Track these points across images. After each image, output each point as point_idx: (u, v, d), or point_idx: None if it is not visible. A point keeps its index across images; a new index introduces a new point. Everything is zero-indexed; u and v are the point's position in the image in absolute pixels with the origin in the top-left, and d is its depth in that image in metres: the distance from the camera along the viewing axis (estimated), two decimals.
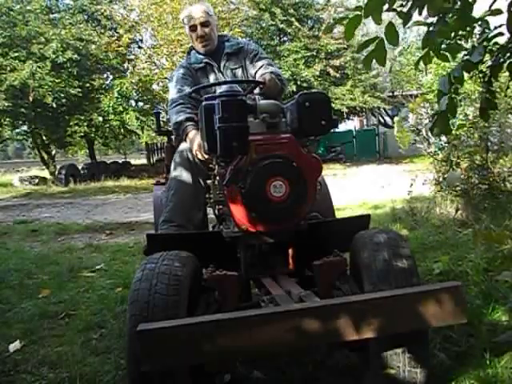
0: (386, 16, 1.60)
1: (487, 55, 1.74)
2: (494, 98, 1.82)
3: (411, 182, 4.28)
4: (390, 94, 17.57)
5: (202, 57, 2.43)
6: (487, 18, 1.68)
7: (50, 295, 2.87)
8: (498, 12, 1.63)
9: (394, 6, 1.54)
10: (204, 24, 2.37)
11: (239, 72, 2.42)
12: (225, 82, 2.16)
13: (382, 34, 1.60)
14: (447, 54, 1.77)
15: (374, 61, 1.65)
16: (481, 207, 3.70)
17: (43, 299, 2.80)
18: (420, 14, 1.59)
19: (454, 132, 4.19)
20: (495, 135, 4.15)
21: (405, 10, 1.58)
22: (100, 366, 1.88)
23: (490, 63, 1.79)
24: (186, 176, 2.06)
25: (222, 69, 2.41)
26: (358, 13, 1.48)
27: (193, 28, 2.39)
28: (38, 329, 2.34)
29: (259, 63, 2.38)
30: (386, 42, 1.58)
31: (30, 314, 2.52)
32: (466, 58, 1.72)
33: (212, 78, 2.40)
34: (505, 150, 3.99)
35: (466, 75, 1.75)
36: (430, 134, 4.74)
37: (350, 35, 1.54)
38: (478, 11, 1.68)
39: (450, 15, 1.60)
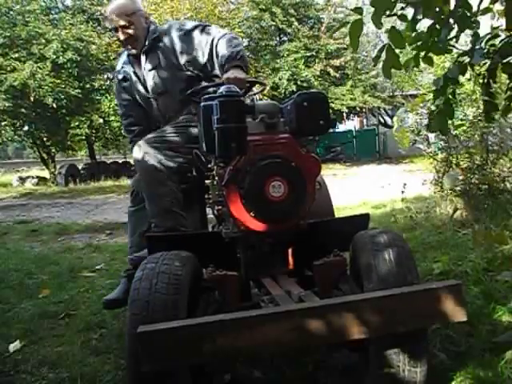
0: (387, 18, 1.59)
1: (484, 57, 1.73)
2: (494, 99, 1.82)
3: (403, 188, 4.28)
4: (390, 94, 17.58)
5: (124, 67, 2.34)
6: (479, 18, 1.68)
7: (50, 295, 2.87)
8: (488, 11, 1.63)
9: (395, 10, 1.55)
10: (125, 26, 2.19)
11: (156, 71, 2.22)
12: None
13: (381, 34, 1.61)
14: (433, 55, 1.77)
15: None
16: (481, 207, 3.69)
17: (43, 299, 2.80)
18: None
19: (452, 132, 4.19)
20: (495, 135, 4.15)
21: (404, 12, 1.58)
22: (100, 366, 1.88)
23: (488, 65, 1.78)
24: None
25: (143, 69, 2.27)
26: (359, 17, 1.48)
27: (115, 30, 2.24)
28: (38, 329, 2.34)
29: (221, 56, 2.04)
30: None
31: (30, 314, 2.52)
32: (462, 59, 1.72)
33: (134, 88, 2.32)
34: (505, 150, 3.99)
35: (463, 76, 1.75)
36: (429, 133, 4.74)
37: (355, 44, 1.53)
38: None
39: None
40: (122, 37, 2.21)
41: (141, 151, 2.05)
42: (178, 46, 2.18)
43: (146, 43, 2.22)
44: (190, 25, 2.22)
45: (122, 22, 2.18)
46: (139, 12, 2.24)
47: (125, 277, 2.29)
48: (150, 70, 2.26)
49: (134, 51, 2.27)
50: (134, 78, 2.32)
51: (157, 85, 2.26)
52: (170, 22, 2.35)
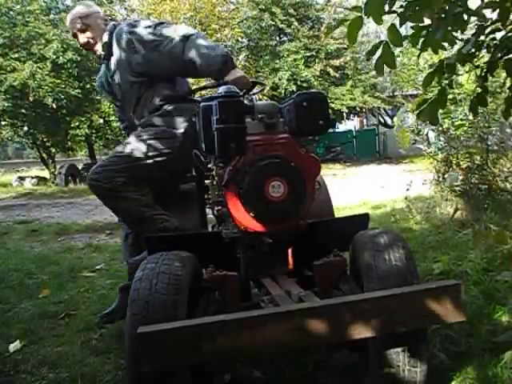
0: (388, 17, 1.59)
1: (484, 50, 1.72)
2: (487, 94, 1.80)
3: (407, 186, 4.29)
4: (390, 94, 17.57)
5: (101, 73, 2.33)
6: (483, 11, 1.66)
7: (50, 295, 2.87)
8: (493, 4, 1.62)
9: (394, 8, 1.54)
10: (82, 30, 2.19)
11: (115, 77, 2.19)
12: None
13: (382, 34, 1.60)
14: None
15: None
16: (481, 207, 3.70)
17: (43, 299, 2.80)
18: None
19: (453, 132, 4.20)
20: (495, 135, 4.15)
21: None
22: (100, 366, 1.88)
23: (487, 59, 1.77)
24: None
25: (112, 72, 2.21)
26: (359, 14, 1.47)
27: (74, 36, 2.24)
28: (38, 329, 2.34)
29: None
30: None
31: (30, 314, 2.52)
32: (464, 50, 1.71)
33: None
34: (505, 150, 3.99)
35: (463, 75, 1.74)
36: (429, 134, 4.74)
37: (353, 39, 1.53)
38: (472, 5, 1.67)
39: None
40: (81, 41, 2.22)
41: (88, 177, 2.06)
42: (130, 51, 2.08)
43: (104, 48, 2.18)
44: (142, 25, 2.10)
45: (78, 26, 2.19)
46: (95, 14, 2.24)
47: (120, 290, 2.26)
48: (111, 77, 2.23)
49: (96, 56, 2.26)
50: (106, 85, 2.31)
51: (117, 92, 2.24)
52: (123, 23, 2.27)
